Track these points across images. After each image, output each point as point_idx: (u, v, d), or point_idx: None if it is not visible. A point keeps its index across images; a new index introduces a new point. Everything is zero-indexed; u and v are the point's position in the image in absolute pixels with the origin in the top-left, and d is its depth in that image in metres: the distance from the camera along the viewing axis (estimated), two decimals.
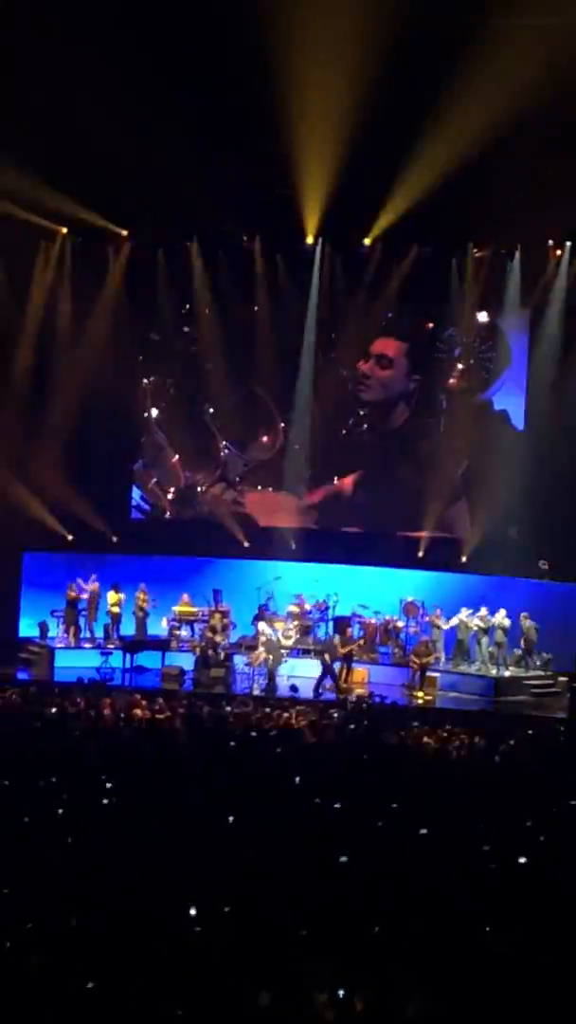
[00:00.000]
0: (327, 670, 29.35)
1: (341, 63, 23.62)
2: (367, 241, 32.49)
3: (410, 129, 26.37)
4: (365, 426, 34.64)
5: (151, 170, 28.60)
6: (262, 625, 30.51)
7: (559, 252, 32.35)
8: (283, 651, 29.96)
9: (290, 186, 29.70)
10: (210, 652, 29.95)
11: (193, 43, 24.20)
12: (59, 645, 31.19)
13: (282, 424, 34.54)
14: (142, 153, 27.58)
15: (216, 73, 25.55)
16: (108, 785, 16.50)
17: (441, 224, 31.24)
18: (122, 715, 22.18)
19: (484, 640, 30.87)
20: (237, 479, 35.06)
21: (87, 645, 31.60)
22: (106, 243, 33.26)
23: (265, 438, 34.81)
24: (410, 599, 32.25)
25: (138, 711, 22.63)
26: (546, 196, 28.26)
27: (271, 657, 29.51)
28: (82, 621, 31.83)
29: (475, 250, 32.50)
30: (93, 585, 31.77)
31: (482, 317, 33.47)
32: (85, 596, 31.83)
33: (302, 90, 24.51)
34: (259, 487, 35.08)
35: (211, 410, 34.89)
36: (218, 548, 33.93)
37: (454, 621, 31.05)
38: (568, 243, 32.21)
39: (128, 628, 31.83)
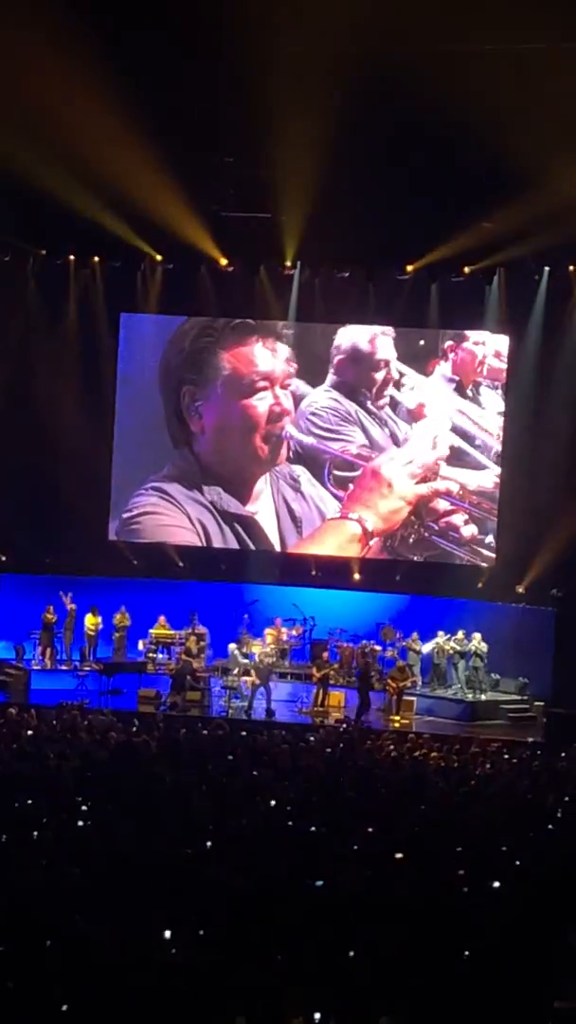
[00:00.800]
0: (363, 699, 29.33)
1: (320, 86, 23.70)
2: (344, 267, 32.64)
3: (389, 153, 26.45)
4: None
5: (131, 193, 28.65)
6: (232, 647, 30.54)
7: (538, 276, 32.48)
8: (270, 671, 29.97)
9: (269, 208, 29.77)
10: (187, 676, 29.91)
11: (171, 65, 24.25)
12: (35, 667, 31.12)
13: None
14: (121, 176, 27.65)
15: (197, 98, 25.61)
16: (84, 808, 16.48)
17: (421, 248, 31.37)
18: (98, 737, 22.15)
19: (461, 664, 30.90)
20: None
21: (63, 667, 31.48)
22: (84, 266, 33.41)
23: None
24: (387, 624, 32.23)
25: (114, 733, 22.60)
26: (526, 221, 28.36)
27: (257, 679, 29.56)
28: (58, 644, 31.74)
29: (453, 275, 32.54)
30: (71, 605, 31.68)
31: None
32: (67, 611, 31.72)
33: (282, 116, 24.55)
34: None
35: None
36: (197, 571, 33.87)
37: (430, 645, 31.06)
38: (546, 268, 32.33)
39: (105, 650, 31.80)
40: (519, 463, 32.85)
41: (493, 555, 33.20)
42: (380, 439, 33.45)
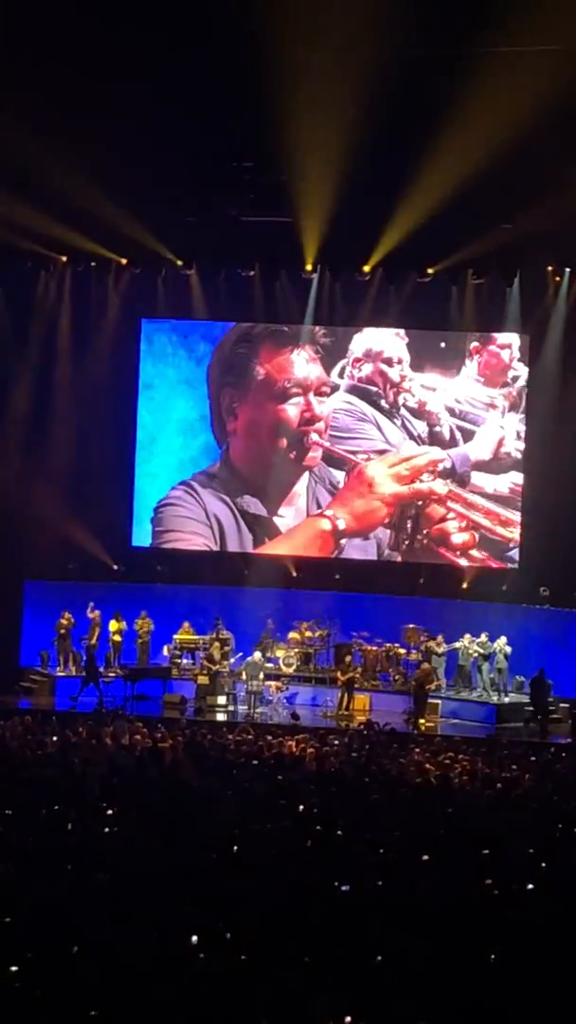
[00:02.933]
0: (418, 701, 29.40)
1: (339, 91, 23.63)
2: (366, 268, 32.52)
3: (409, 156, 26.37)
4: None
5: (150, 199, 28.66)
6: (256, 654, 30.63)
7: (559, 278, 32.42)
8: (261, 673, 29.98)
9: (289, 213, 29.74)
10: (209, 681, 29.98)
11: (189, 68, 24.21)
12: (60, 674, 31.18)
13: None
14: (139, 183, 27.65)
15: (213, 100, 25.56)
16: (109, 813, 16.49)
17: (440, 251, 31.34)
18: (123, 743, 22.19)
19: (485, 666, 30.87)
20: None
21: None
22: (106, 271, 33.39)
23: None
24: (411, 626, 32.18)
25: (139, 738, 22.63)
26: (545, 221, 28.28)
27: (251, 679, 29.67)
28: (78, 650, 31.74)
29: (474, 277, 32.48)
30: (93, 613, 31.70)
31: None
32: (90, 621, 31.74)
33: (300, 118, 24.51)
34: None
35: None
36: (223, 576, 33.90)
37: (456, 645, 31.06)
38: (567, 269, 32.28)
39: (130, 656, 31.88)
40: (541, 465, 32.78)
41: (509, 564, 33.19)
42: (395, 438, 33.51)
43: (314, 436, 33.67)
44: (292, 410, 33.88)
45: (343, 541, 33.64)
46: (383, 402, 33.56)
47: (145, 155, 26.46)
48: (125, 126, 25.09)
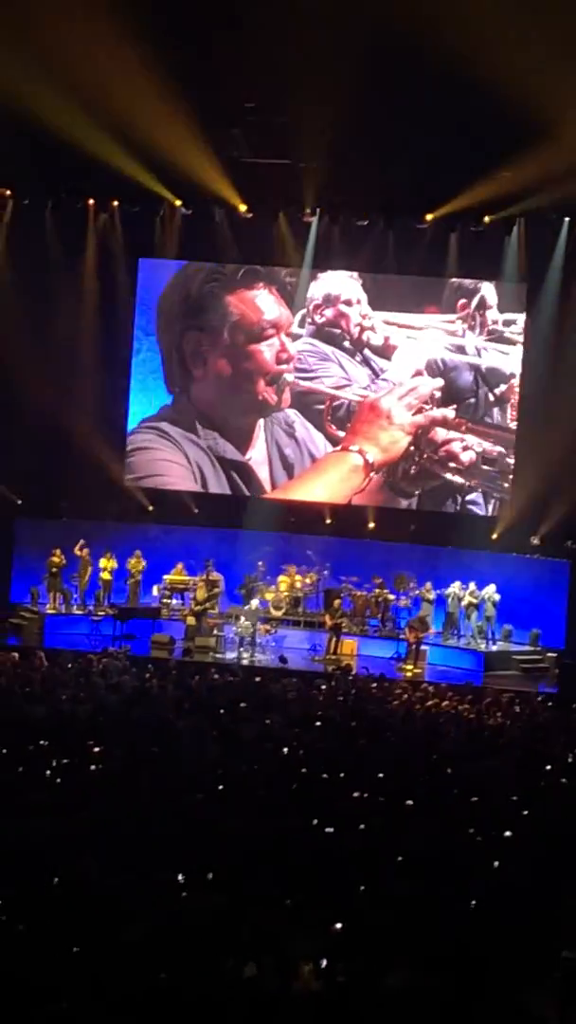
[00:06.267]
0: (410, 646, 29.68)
1: (340, 33, 23.47)
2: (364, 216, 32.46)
3: (410, 101, 26.21)
4: None
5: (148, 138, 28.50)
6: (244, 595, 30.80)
7: (557, 228, 32.26)
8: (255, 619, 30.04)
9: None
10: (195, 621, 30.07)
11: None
12: (49, 611, 31.22)
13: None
14: (140, 121, 27.48)
15: (216, 43, 25.38)
16: (96, 750, 16.56)
17: (437, 197, 31.19)
18: (112, 682, 22.26)
19: (474, 615, 30.93)
20: None
21: (77, 611, 31.58)
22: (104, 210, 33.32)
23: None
24: (401, 573, 32.21)
25: (127, 678, 22.70)
26: (546, 169, 28.14)
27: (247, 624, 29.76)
28: (70, 588, 31.79)
29: (473, 224, 32.32)
30: (82, 552, 31.71)
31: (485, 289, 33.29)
32: (79, 559, 31.78)
33: (302, 63, 24.34)
34: None
35: None
36: (214, 518, 33.90)
37: (445, 592, 31.10)
38: (567, 219, 32.15)
39: (120, 596, 31.94)
40: (535, 416, 32.74)
41: (501, 495, 33.27)
42: (358, 375, 33.66)
43: (288, 377, 33.70)
44: (268, 351, 33.89)
45: (373, 474, 33.63)
46: (346, 342, 33.78)
47: (147, 95, 26.23)
48: (126, 66, 24.87)
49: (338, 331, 33.69)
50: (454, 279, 33.22)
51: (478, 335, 33.14)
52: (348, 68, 23.94)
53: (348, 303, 33.62)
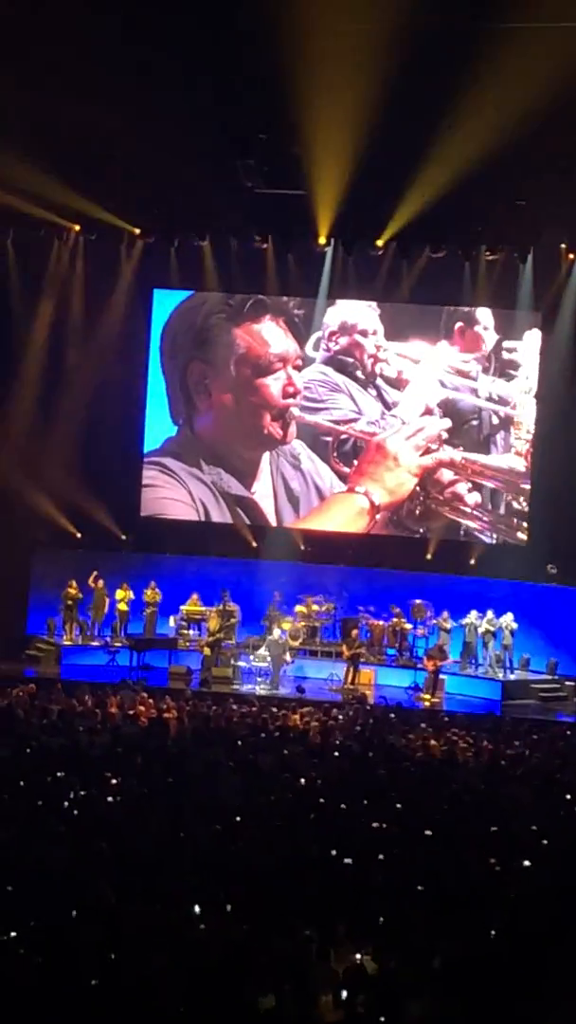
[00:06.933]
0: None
1: (354, 65, 23.52)
2: (379, 243, 32.37)
3: (423, 131, 26.26)
4: None
5: (164, 169, 28.55)
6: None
7: (572, 256, 32.28)
8: (287, 652, 29.97)
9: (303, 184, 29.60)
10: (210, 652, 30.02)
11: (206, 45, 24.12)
12: (66, 642, 31.24)
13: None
14: (155, 152, 27.53)
15: (230, 74, 25.46)
16: (114, 782, 16.55)
17: (453, 227, 31.21)
18: (129, 713, 22.25)
19: (492, 643, 30.86)
20: None
21: (94, 643, 31.59)
22: (119, 241, 33.28)
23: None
24: (418, 601, 32.17)
25: (143, 708, 22.69)
26: (560, 199, 28.18)
27: (264, 654, 29.71)
28: (85, 619, 31.81)
29: (487, 253, 32.34)
30: (98, 583, 31.74)
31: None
32: (93, 590, 31.80)
33: (315, 92, 24.41)
34: None
35: None
36: (230, 548, 33.86)
37: (463, 622, 31.03)
38: None
39: (136, 627, 31.93)
40: (551, 444, 32.67)
41: (509, 529, 33.18)
42: (368, 408, 33.54)
43: (295, 410, 33.68)
44: (275, 385, 33.88)
45: (378, 516, 33.57)
46: (358, 372, 33.66)
47: (161, 125, 26.33)
48: (142, 97, 24.97)
49: (351, 360, 33.67)
50: (466, 308, 33.14)
51: (493, 373, 33.07)
52: (360, 98, 24.01)
53: (364, 333, 33.56)
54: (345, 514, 33.75)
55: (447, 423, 33.06)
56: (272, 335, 33.85)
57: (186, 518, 34.18)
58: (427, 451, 33.17)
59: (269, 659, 29.56)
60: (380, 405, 33.41)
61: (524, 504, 32.89)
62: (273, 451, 33.84)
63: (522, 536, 32.98)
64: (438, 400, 33.21)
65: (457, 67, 23.07)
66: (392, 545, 33.64)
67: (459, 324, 33.25)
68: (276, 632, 30.14)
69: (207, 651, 30.04)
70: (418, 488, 33.28)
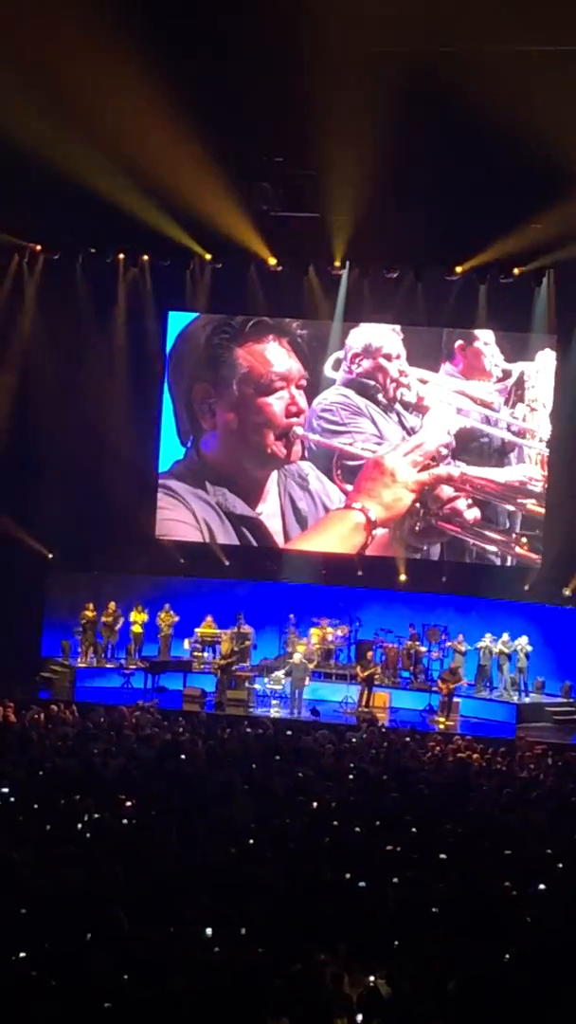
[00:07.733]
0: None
1: (369, 89, 23.57)
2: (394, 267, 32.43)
3: (439, 154, 26.32)
4: None
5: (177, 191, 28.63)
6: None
7: None
8: (306, 674, 29.96)
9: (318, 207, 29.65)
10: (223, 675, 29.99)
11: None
12: (81, 665, 31.26)
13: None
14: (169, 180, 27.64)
15: (245, 97, 25.52)
16: (128, 804, 16.53)
17: (467, 248, 31.22)
18: (143, 735, 22.23)
19: (506, 666, 30.81)
20: None
21: (109, 665, 31.60)
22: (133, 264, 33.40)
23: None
24: (433, 624, 32.15)
25: (158, 730, 22.67)
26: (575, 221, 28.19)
27: (279, 675, 29.70)
28: (100, 640, 31.85)
29: (503, 275, 32.31)
30: (109, 617, 31.79)
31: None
32: (107, 618, 31.83)
33: (331, 116, 24.45)
34: None
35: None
36: (244, 570, 33.85)
37: (478, 645, 30.98)
38: None
39: (151, 649, 31.92)
40: (567, 465, 32.63)
41: (519, 549, 33.10)
42: (390, 433, 33.46)
43: (298, 430, 33.68)
44: (278, 404, 33.91)
45: (376, 532, 33.53)
46: (380, 395, 33.60)
47: (176, 149, 26.39)
48: (157, 119, 25.03)
49: (372, 383, 33.63)
50: (482, 330, 33.12)
51: (511, 398, 33.03)
52: (376, 121, 24.02)
53: (388, 357, 33.50)
54: (341, 530, 33.65)
55: (446, 439, 32.99)
56: (275, 355, 33.78)
57: (190, 539, 34.13)
58: (426, 467, 33.13)
59: (289, 682, 29.52)
60: (401, 430, 33.33)
61: (538, 530, 32.81)
62: (281, 471, 33.77)
63: (535, 556, 32.86)
64: (457, 428, 33.12)
65: (470, 91, 23.09)
66: (405, 567, 33.56)
67: (472, 346, 33.18)
68: (297, 656, 30.10)
69: (221, 674, 30.02)
70: (418, 504, 33.22)
